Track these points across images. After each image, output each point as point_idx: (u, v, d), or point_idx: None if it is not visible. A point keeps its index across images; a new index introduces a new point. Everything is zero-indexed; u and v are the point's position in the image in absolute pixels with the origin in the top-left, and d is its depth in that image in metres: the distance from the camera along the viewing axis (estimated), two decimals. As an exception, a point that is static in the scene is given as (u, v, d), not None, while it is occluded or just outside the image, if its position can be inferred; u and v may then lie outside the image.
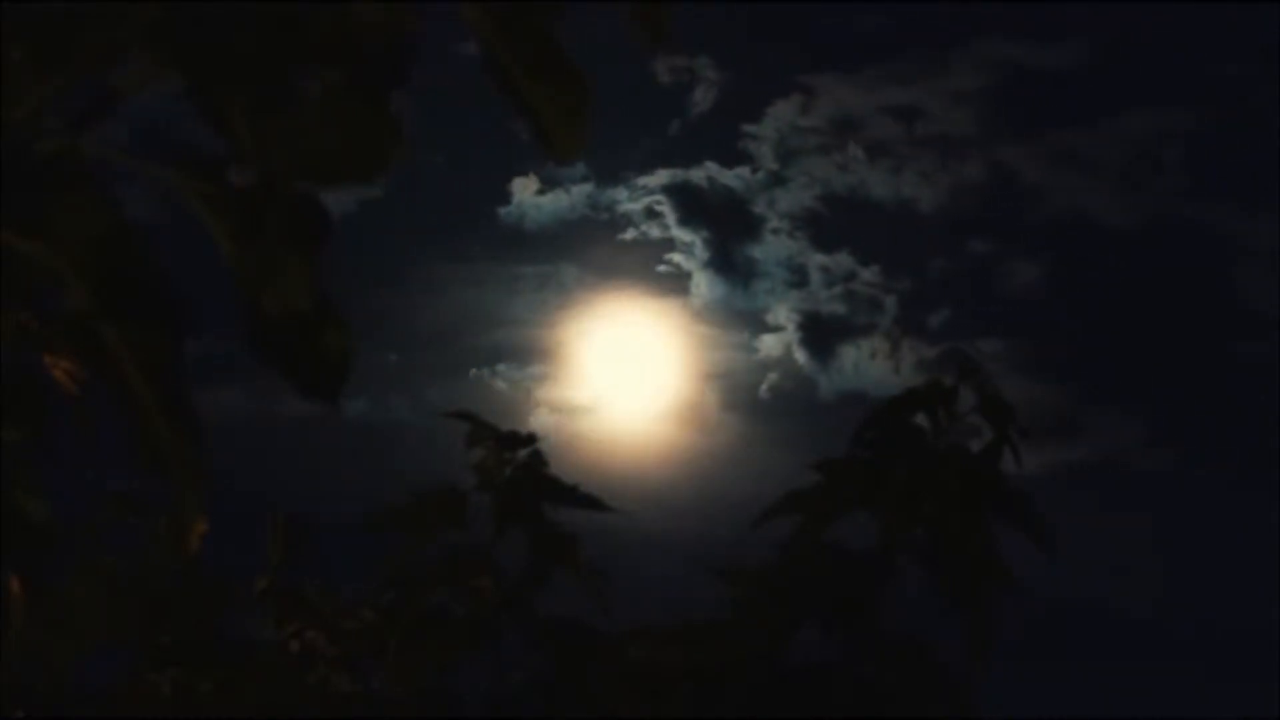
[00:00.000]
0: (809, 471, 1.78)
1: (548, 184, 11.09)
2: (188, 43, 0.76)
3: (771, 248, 11.33)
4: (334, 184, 0.79)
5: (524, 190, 11.10)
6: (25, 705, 1.87)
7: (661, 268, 11.25)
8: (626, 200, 11.25)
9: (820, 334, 11.10)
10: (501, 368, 10.63)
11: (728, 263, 11.26)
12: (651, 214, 11.22)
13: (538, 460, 2.07)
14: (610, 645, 1.87)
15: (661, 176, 11.19)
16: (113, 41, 0.76)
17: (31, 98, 0.77)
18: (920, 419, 1.80)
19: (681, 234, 11.29)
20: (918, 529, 1.76)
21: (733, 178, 11.36)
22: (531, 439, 2.08)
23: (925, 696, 1.75)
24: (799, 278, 11.31)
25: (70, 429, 0.95)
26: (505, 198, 11.09)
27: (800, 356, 11.11)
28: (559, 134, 0.80)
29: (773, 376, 11.16)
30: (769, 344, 11.27)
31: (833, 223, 11.40)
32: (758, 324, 11.39)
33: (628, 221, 11.28)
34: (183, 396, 0.82)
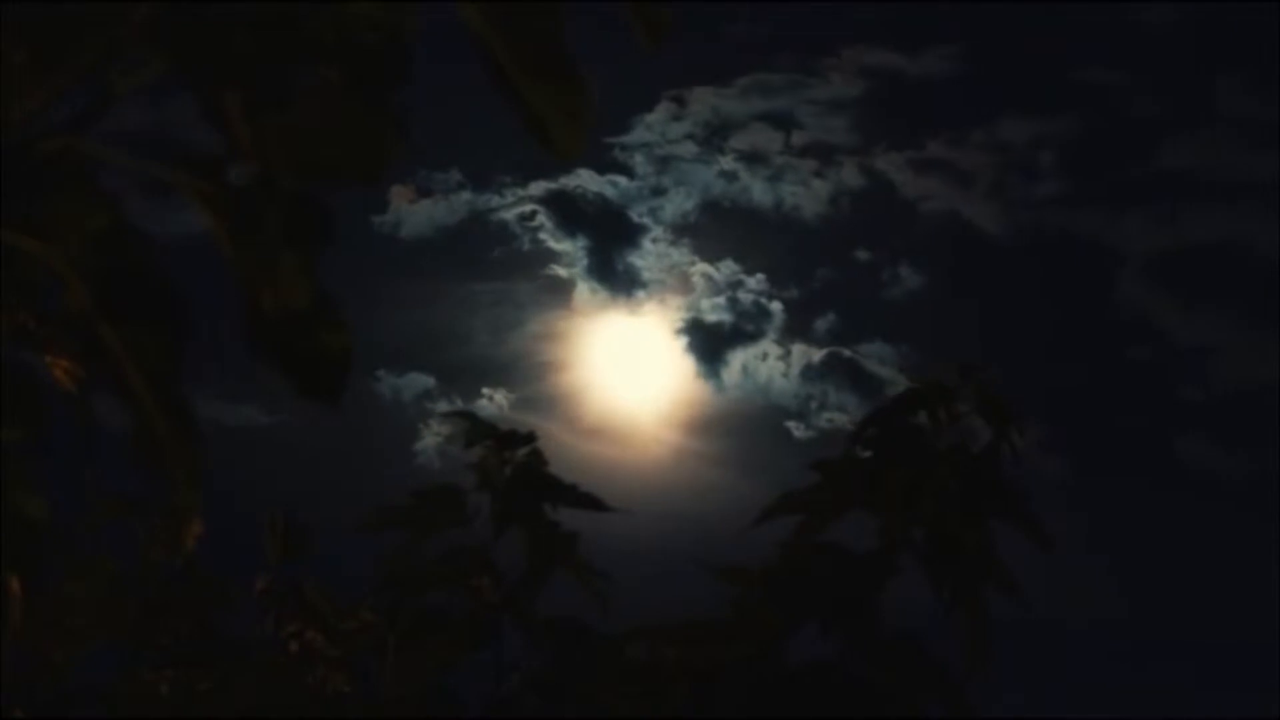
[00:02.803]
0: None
1: (423, 192, 11.05)
2: (187, 42, 0.76)
3: (653, 256, 11.33)
4: (334, 184, 0.79)
5: (400, 198, 11.04)
6: (25, 705, 1.87)
7: (541, 277, 11.23)
8: (503, 209, 11.23)
9: (708, 341, 11.11)
10: (381, 374, 10.58)
11: (610, 271, 11.26)
12: (529, 223, 11.20)
13: (537, 459, 2.06)
14: (610, 645, 1.87)
15: (538, 184, 11.18)
16: (112, 41, 0.76)
17: (31, 98, 0.77)
18: (920, 419, 1.80)
19: (561, 242, 11.27)
20: (917, 529, 1.76)
21: (609, 185, 11.37)
22: (531, 438, 2.08)
23: (924, 696, 1.75)
24: (684, 286, 11.33)
25: (70, 429, 0.95)
26: (380, 206, 11.03)
27: (691, 361, 11.12)
28: (560, 134, 0.80)
29: (662, 383, 11.17)
30: (656, 352, 11.28)
31: (715, 231, 11.45)
32: (642, 332, 11.41)
33: (505, 229, 11.25)
34: (182, 397, 0.82)
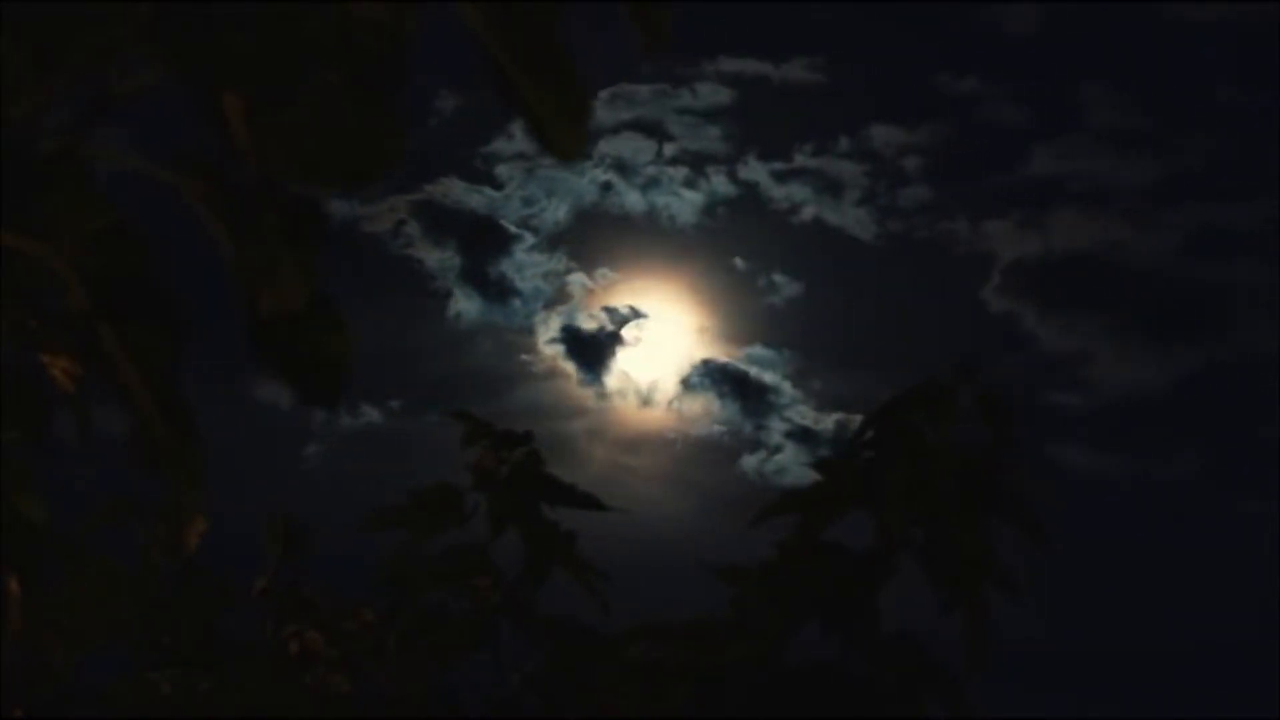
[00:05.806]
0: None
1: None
2: (188, 43, 0.76)
3: (528, 266, 11.32)
4: (334, 184, 0.79)
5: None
6: (25, 705, 1.87)
7: (415, 287, 11.16)
8: (371, 218, 11.16)
9: (587, 350, 11.10)
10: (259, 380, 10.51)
11: (484, 281, 11.22)
12: (398, 236, 11.15)
13: (534, 459, 2.06)
14: (610, 645, 1.87)
15: (406, 195, 11.10)
16: (112, 41, 0.76)
17: (31, 98, 0.77)
18: (919, 419, 1.80)
19: (432, 252, 11.21)
20: (916, 529, 1.76)
21: (476, 195, 11.34)
22: (528, 437, 2.08)
23: (924, 696, 1.75)
24: (560, 295, 11.32)
25: (69, 429, 0.95)
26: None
27: (570, 370, 11.12)
28: (559, 134, 0.80)
29: (544, 390, 11.15)
30: (537, 359, 11.26)
31: (589, 240, 11.49)
32: (521, 341, 11.40)
33: (375, 239, 11.19)
34: (181, 397, 0.82)
